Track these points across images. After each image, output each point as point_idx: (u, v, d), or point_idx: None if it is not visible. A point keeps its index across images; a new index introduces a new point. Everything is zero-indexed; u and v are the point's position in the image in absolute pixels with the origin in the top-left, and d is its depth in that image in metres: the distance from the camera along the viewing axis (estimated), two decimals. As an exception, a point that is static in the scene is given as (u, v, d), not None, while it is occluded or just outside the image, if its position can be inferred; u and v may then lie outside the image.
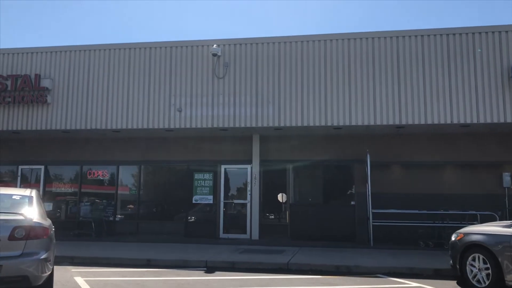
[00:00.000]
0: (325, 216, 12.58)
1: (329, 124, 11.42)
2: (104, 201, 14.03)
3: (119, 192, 14.03)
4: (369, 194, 11.67)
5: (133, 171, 14.03)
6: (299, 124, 11.56)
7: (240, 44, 12.12)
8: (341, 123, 11.37)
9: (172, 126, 12.18)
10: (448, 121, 10.97)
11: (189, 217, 13.38)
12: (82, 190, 14.23)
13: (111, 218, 13.75)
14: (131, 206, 13.93)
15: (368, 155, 11.76)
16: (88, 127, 12.56)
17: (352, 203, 12.63)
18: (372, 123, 11.24)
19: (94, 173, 14.24)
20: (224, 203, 13.21)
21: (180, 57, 12.36)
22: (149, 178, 14.04)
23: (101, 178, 14.22)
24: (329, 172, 13.26)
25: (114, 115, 12.47)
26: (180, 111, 12.13)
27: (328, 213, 12.60)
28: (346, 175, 13.04)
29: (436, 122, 11.00)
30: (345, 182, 13.02)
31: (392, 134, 12.57)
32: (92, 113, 12.57)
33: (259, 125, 11.77)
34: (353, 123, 11.32)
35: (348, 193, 12.94)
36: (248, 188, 13.12)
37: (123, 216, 13.93)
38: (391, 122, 11.21)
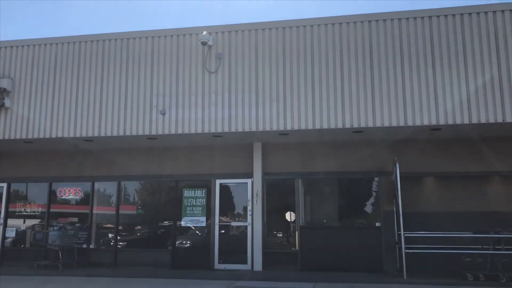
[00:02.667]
0: (344, 241, 10.42)
1: (347, 126, 9.35)
2: (76, 225, 11.96)
3: (94, 213, 11.96)
4: (399, 213, 9.50)
5: (110, 189, 11.97)
6: (310, 126, 9.49)
7: (236, 31, 10.16)
8: (362, 125, 9.29)
9: (154, 133, 10.17)
10: (500, 119, 8.86)
11: (177, 244, 11.27)
12: (51, 210, 12.20)
13: (84, 246, 11.67)
14: (109, 229, 11.83)
15: (397, 165, 9.65)
16: (54, 136, 10.57)
17: (377, 224, 10.46)
18: (401, 123, 9.15)
19: (64, 192, 12.21)
20: (220, 226, 11.09)
21: (163, 49, 10.42)
22: (130, 197, 11.99)
23: (73, 197, 12.18)
24: (348, 186, 11.12)
25: (85, 121, 10.49)
26: (163, 114, 10.13)
27: (348, 238, 10.43)
28: (368, 190, 10.89)
29: (483, 121, 8.90)
30: (367, 199, 10.86)
31: (425, 139, 10.46)
32: (58, 118, 10.59)
33: (260, 129, 9.72)
34: (378, 125, 9.24)
35: (372, 212, 10.78)
36: (249, 208, 11.02)
37: (99, 243, 11.83)
38: (425, 123, 9.12)
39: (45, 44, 10.97)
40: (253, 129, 9.75)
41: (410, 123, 9.15)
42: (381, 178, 10.62)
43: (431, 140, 10.55)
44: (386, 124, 9.22)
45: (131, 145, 11.62)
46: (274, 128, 9.66)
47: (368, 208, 10.84)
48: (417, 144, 10.60)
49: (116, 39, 10.68)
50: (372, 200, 10.79)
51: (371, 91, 9.34)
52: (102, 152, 12.02)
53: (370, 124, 9.27)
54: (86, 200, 12.04)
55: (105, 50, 10.68)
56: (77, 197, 12.14)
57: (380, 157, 10.66)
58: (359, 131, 9.74)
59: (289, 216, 11.03)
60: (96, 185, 12.06)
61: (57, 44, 10.93)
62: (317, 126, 9.47)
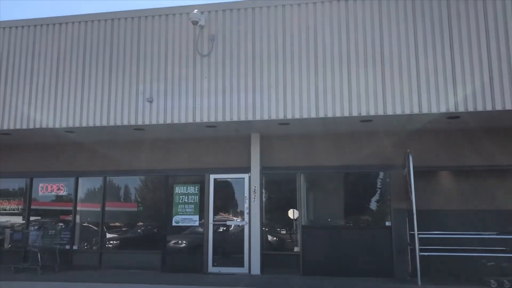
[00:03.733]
0: (351, 242, 9.53)
1: (354, 114, 8.44)
2: (59, 224, 11.12)
3: (78, 211, 11.10)
4: (413, 211, 8.59)
5: (96, 185, 11.11)
6: (313, 115, 8.58)
7: (231, 10, 9.25)
8: (371, 113, 8.37)
9: (141, 123, 9.29)
10: (528, 105, 7.93)
11: (168, 245, 10.40)
12: (32, 207, 11.35)
13: (67, 247, 10.82)
14: (94, 228, 10.97)
15: (410, 158, 8.73)
16: (31, 126, 9.70)
17: (387, 224, 9.55)
18: (415, 111, 8.24)
19: (46, 188, 11.36)
20: (214, 225, 10.22)
21: (151, 30, 9.52)
22: (116, 193, 11.13)
23: (56, 193, 11.31)
24: (354, 182, 10.20)
25: (65, 110, 9.61)
26: (151, 101, 9.25)
27: (355, 238, 9.53)
28: (377, 186, 9.97)
29: (509, 107, 7.96)
30: (376, 195, 9.94)
31: (441, 129, 9.55)
32: (37, 107, 9.72)
33: (258, 118, 8.82)
34: (389, 112, 8.31)
35: (381, 210, 9.87)
36: (246, 205, 10.14)
37: (83, 244, 10.97)
38: (442, 110, 8.19)
39: (22, 26, 10.10)
40: (250, 118, 8.85)
41: (425, 110, 8.22)
42: (391, 173, 9.70)
43: (448, 130, 9.62)
44: (398, 112, 8.30)
45: (117, 138, 10.75)
46: (273, 117, 8.77)
47: (377, 205, 9.92)
48: (432, 135, 9.68)
49: (99, 20, 9.78)
50: (381, 197, 9.86)
51: (381, 74, 8.42)
52: (86, 145, 11.15)
53: (380, 112, 8.35)
54: (70, 197, 11.18)
55: (87, 32, 9.79)
56: (60, 193, 11.27)
57: (390, 150, 9.73)
58: (367, 120, 8.82)
59: (292, 213, 10.14)
60: (81, 180, 11.20)
61: (35, 26, 10.05)
62: (321, 115, 8.56)
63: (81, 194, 11.17)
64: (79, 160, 11.18)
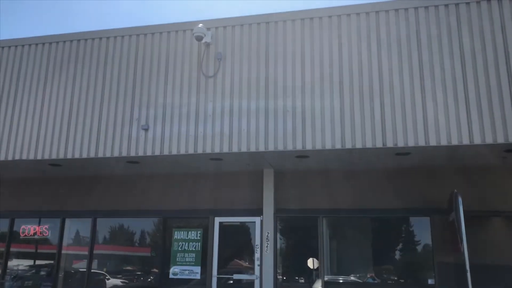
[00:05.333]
0: (385, 304, 7.88)
1: (389, 145, 7.04)
2: (42, 272, 9.73)
3: (63, 254, 9.71)
4: (466, 266, 6.94)
5: (84, 226, 9.77)
6: (338, 146, 7.22)
7: (241, 25, 8.15)
8: (410, 143, 6.97)
9: (134, 154, 8.04)
10: None
11: (163, 302, 8.88)
12: (12, 249, 10.02)
13: (46, 301, 9.41)
14: (80, 278, 9.53)
15: (459, 200, 7.20)
16: (10, 158, 8.57)
17: (430, 282, 7.88)
18: (465, 141, 6.81)
19: (28, 230, 10.06)
20: (219, 279, 8.70)
21: (150, 49, 8.44)
22: (107, 237, 9.76)
23: (39, 237, 10.00)
24: (388, 229, 8.61)
25: (49, 140, 8.46)
26: (146, 129, 8.04)
27: (390, 300, 7.89)
28: (415, 235, 8.36)
29: None
30: (415, 246, 8.33)
31: (493, 164, 8.05)
32: (18, 137, 8.62)
33: (271, 148, 7.50)
34: (432, 143, 6.91)
35: (422, 264, 8.22)
36: (257, 255, 8.64)
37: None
38: (499, 141, 6.75)
39: (5, 47, 9.18)
40: (262, 149, 7.53)
41: (477, 140, 6.79)
42: (434, 219, 8.14)
43: (503, 166, 8.11)
44: (443, 142, 6.87)
45: (108, 172, 9.52)
46: (290, 148, 7.43)
47: (417, 259, 8.29)
48: (484, 172, 8.16)
49: (90, 39, 8.79)
50: (422, 248, 8.25)
51: (421, 98, 7.09)
52: (74, 181, 9.92)
53: (421, 143, 6.94)
54: (54, 240, 9.85)
55: (79, 51, 8.78)
56: (44, 236, 9.95)
57: (432, 190, 8.22)
58: (404, 153, 7.42)
59: (311, 263, 8.57)
60: (67, 222, 9.90)
61: (16, 46, 9.10)
62: (348, 146, 7.19)
63: (66, 238, 9.83)
64: (66, 199, 9.92)
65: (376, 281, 8.31)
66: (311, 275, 8.54)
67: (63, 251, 9.73)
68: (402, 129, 7.03)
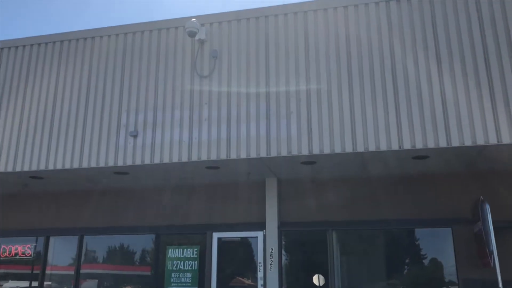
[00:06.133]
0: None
1: (406, 147, 6.32)
2: (23, 297, 8.94)
3: (48, 275, 8.93)
4: (499, 284, 6.17)
5: (70, 246, 8.98)
6: (349, 149, 6.50)
7: (238, 20, 7.51)
8: (430, 145, 6.26)
9: (122, 163, 7.32)
10: None
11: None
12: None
13: (28, 329, 8.60)
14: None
15: (486, 207, 6.46)
16: (-14, 171, 7.89)
17: (455, 300, 7.11)
18: (492, 141, 6.10)
19: (10, 250, 9.28)
20: (218, 301, 7.91)
21: (139, 49, 7.79)
22: (95, 256, 8.97)
23: (21, 257, 9.22)
24: (405, 242, 7.82)
25: (28, 150, 7.77)
26: (135, 136, 7.35)
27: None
28: (436, 248, 7.56)
29: None
30: (435, 260, 7.53)
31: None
32: (-5, 147, 7.94)
33: (274, 154, 6.78)
34: (454, 143, 6.20)
35: (444, 280, 7.42)
36: (260, 273, 7.85)
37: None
38: (533, 139, 6.05)
39: (-16, 49, 8.55)
40: (263, 155, 6.82)
41: (506, 140, 6.08)
42: (457, 229, 7.37)
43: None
44: (468, 143, 6.16)
45: (96, 186, 8.78)
46: (295, 152, 6.71)
47: (438, 274, 7.49)
48: (509, 177, 7.44)
49: (77, 39, 8.15)
50: (443, 262, 7.44)
51: (440, 96, 6.40)
52: (58, 196, 9.18)
53: (442, 144, 6.23)
54: (37, 261, 9.06)
55: (62, 53, 8.14)
56: (26, 256, 9.17)
57: (454, 198, 7.48)
58: (423, 156, 6.70)
59: (317, 279, 7.78)
60: (52, 241, 9.12)
61: None
62: (360, 149, 6.47)
63: (51, 257, 9.06)
64: (50, 215, 9.17)
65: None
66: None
67: (47, 271, 8.95)
68: (421, 129, 6.32)
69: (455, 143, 6.18)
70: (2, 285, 8.98)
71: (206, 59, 7.43)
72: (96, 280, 8.79)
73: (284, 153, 6.75)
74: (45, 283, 8.88)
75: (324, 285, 7.69)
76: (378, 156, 6.69)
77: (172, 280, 8.20)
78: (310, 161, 7.03)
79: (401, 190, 7.77)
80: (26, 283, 8.99)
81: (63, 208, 9.12)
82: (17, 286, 9.04)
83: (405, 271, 7.70)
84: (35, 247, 9.13)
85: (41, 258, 8.97)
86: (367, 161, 7.04)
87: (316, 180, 8.13)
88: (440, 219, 7.43)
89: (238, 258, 8.26)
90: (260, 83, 7.08)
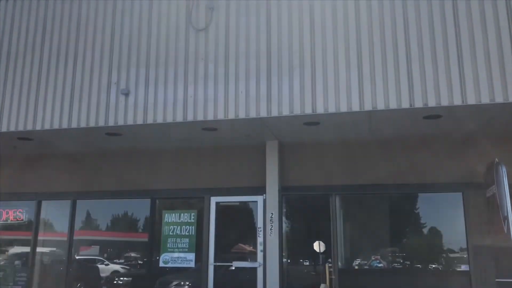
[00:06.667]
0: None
1: (417, 105, 5.89)
2: (16, 262, 8.75)
3: (39, 246, 8.72)
4: (512, 251, 5.88)
5: (63, 210, 8.71)
6: (356, 108, 6.06)
7: (237, -32, 6.96)
8: (443, 102, 5.82)
9: (113, 123, 6.92)
10: None
11: (153, 294, 7.89)
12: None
13: (21, 294, 8.44)
14: (58, 269, 8.53)
15: (503, 169, 6.08)
16: (-29, 131, 7.51)
17: (464, 267, 6.83)
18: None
19: (0, 214, 9.03)
20: (216, 267, 7.67)
21: (129, 0, 7.30)
22: (88, 223, 8.72)
23: (12, 222, 8.97)
24: (412, 207, 7.52)
25: (15, 109, 7.34)
26: (127, 94, 6.92)
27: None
28: (446, 214, 7.25)
29: None
30: (445, 226, 7.22)
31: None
32: (-20, 106, 7.54)
33: (275, 113, 6.35)
34: (470, 101, 5.73)
35: (454, 248, 7.15)
36: (259, 239, 7.58)
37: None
38: (556, 96, 5.60)
39: (-34, 1, 8.01)
40: (264, 114, 6.39)
41: (527, 97, 5.64)
42: (468, 194, 7.02)
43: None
44: (485, 100, 5.71)
45: (87, 148, 8.43)
46: (297, 112, 6.28)
47: (448, 241, 7.20)
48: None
49: (63, -10, 7.62)
50: (453, 229, 7.13)
51: (456, 49, 5.90)
52: (49, 159, 8.84)
53: (457, 102, 5.78)
54: (29, 227, 8.82)
55: (48, 5, 7.62)
56: (17, 221, 8.93)
57: (466, 161, 7.10)
58: (435, 116, 6.26)
59: (317, 246, 7.50)
60: (44, 205, 8.86)
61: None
62: (367, 107, 6.03)
63: (43, 222, 8.81)
64: (42, 179, 8.85)
65: (396, 266, 7.28)
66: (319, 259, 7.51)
67: (40, 238, 8.72)
68: (434, 85, 5.86)
69: (471, 100, 5.73)
70: (8, 251, 8.79)
71: (202, 11, 6.89)
72: (98, 247, 8.58)
73: (285, 112, 6.32)
74: (39, 249, 8.67)
75: (326, 251, 7.43)
76: (387, 115, 6.26)
77: (168, 245, 7.95)
78: (314, 121, 6.61)
79: (409, 153, 7.37)
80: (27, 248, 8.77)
81: (55, 172, 8.79)
82: (21, 252, 8.84)
83: (412, 237, 7.41)
84: (26, 211, 8.87)
85: (32, 223, 8.72)
86: (374, 122, 6.61)
87: (319, 142, 7.73)
88: (450, 184, 7.07)
89: (237, 223, 7.99)
90: (260, 37, 6.57)
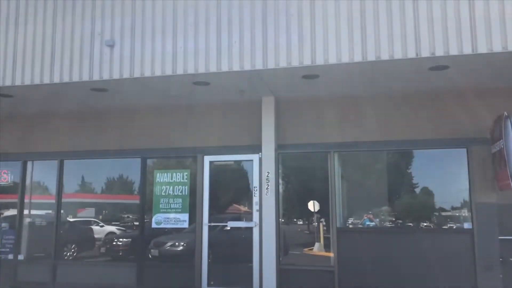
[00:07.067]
0: (410, 253, 6.67)
1: (424, 54, 5.50)
2: (3, 224, 8.49)
3: (26, 208, 8.46)
4: (520, 208, 5.67)
5: (49, 171, 8.40)
6: (358, 58, 5.64)
7: None
8: (452, 51, 5.43)
9: (98, 78, 6.50)
10: None
11: (146, 256, 7.70)
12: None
13: (9, 256, 8.22)
14: (46, 231, 8.29)
15: (509, 123, 5.80)
16: None
17: (467, 226, 6.64)
18: (527, 46, 5.29)
19: (-15, 176, 8.71)
20: (211, 228, 7.46)
21: None
22: (76, 183, 8.43)
23: (-2, 184, 8.68)
24: (415, 165, 7.23)
25: (-7, 63, 6.91)
26: (111, 45, 6.46)
27: (417, 248, 6.67)
28: (449, 171, 6.98)
29: None
30: (447, 184, 6.97)
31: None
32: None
33: (271, 65, 5.94)
34: (481, 49, 5.36)
35: (456, 206, 6.95)
36: (255, 198, 7.34)
37: (32, 253, 8.30)
38: None
39: None
40: (259, 66, 5.99)
41: (543, 45, 5.26)
42: (472, 151, 6.74)
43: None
44: (497, 48, 5.33)
45: (74, 105, 8.01)
46: (295, 63, 5.88)
47: (449, 199, 6.98)
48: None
49: None
50: (455, 186, 6.90)
51: (467, -8, 5.47)
52: (33, 117, 8.45)
53: (467, 50, 5.39)
54: (14, 188, 8.52)
55: (23, -51, 7.02)
56: (3, 182, 8.62)
57: (471, 115, 6.78)
58: (441, 67, 5.89)
59: (312, 206, 7.34)
60: (29, 166, 8.53)
61: None
62: (370, 57, 5.63)
63: (30, 184, 8.51)
64: (27, 138, 8.47)
65: (399, 225, 7.11)
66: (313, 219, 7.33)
67: (26, 200, 8.44)
68: (442, 33, 5.46)
69: (482, 49, 5.35)
70: (2, 213, 8.53)
71: (191, -47, 6.35)
72: (93, 209, 8.34)
73: (283, 64, 5.92)
74: (27, 211, 8.41)
75: (320, 210, 7.24)
76: (391, 66, 5.87)
77: (161, 206, 7.69)
78: (313, 74, 6.22)
79: (412, 108, 7.04)
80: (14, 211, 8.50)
81: (40, 131, 8.41)
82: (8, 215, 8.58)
83: (415, 196, 7.18)
84: (12, 172, 8.54)
85: (18, 185, 8.42)
86: (377, 74, 6.23)
87: (318, 98, 7.37)
88: (454, 139, 6.78)
89: (232, 183, 7.73)
90: (255, -18, 6.08)
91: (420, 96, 7.02)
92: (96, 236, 8.23)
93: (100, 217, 8.33)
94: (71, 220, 8.34)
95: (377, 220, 7.19)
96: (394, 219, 7.23)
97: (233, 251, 7.48)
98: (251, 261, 7.17)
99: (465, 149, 6.75)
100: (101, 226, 8.27)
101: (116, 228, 8.19)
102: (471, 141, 6.71)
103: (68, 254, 8.12)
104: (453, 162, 6.85)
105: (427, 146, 6.95)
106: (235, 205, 7.66)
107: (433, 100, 6.97)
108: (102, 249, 8.11)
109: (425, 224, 7.03)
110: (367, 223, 7.20)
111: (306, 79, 6.47)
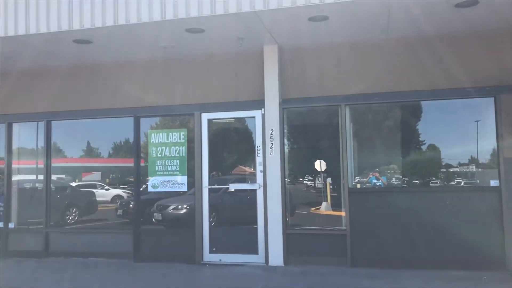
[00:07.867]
0: (430, 214, 6.11)
1: (452, -13, 4.77)
2: (-9, 192, 8.05)
3: (14, 172, 7.97)
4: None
5: (35, 133, 7.84)
6: (373, -6, 4.95)
7: None
8: (485, -18, 4.70)
9: (78, 27, 5.79)
10: None
11: (142, 222, 7.23)
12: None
13: (-1, 225, 7.82)
14: (37, 197, 7.82)
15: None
16: None
17: (494, 183, 6.02)
18: None
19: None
20: (211, 191, 6.93)
21: None
22: (66, 145, 7.88)
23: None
24: (437, 116, 6.56)
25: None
26: (92, -11, 5.74)
27: (437, 208, 6.10)
28: (475, 122, 6.32)
29: None
30: (471, 138, 6.34)
31: None
32: None
33: (273, 6, 5.19)
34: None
35: (482, 162, 6.33)
36: (258, 159, 6.75)
37: (22, 221, 7.86)
38: None
39: None
40: (259, 7, 5.26)
41: None
42: (501, 99, 6.04)
43: None
44: (538, -23, 4.58)
45: (58, 61, 7.34)
46: (300, 2, 5.15)
47: (475, 154, 6.36)
48: None
49: None
50: (482, 139, 6.24)
51: None
52: (18, 77, 7.82)
53: (502, -20, 4.65)
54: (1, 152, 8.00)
55: None
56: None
57: (501, 60, 6.06)
58: (470, 2, 5.13)
59: (318, 165, 6.79)
60: (15, 127, 7.96)
61: None
62: (387, -8, 4.90)
63: (16, 148, 7.98)
64: (10, 98, 7.87)
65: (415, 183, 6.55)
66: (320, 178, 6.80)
67: (14, 165, 7.93)
68: (473, -39, 4.69)
69: (520, -22, 4.60)
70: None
71: None
72: (99, 173, 7.85)
73: (287, 3, 5.19)
74: (16, 177, 7.93)
75: (328, 169, 6.71)
76: (410, 7, 5.13)
77: (157, 168, 7.14)
78: (321, 15, 5.48)
79: (433, 55, 6.31)
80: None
81: (22, 90, 7.79)
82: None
83: (437, 152, 6.55)
84: None
85: (4, 149, 7.89)
86: (394, 16, 5.49)
87: (325, 45, 6.64)
88: (480, 88, 6.07)
89: (233, 142, 7.16)
90: None
91: (440, 39, 6.28)
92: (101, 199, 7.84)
93: (107, 180, 7.92)
94: (77, 183, 7.90)
95: (384, 178, 6.65)
96: (407, 178, 6.67)
97: (237, 215, 7.01)
98: (256, 225, 6.66)
99: (492, 98, 6.05)
100: (107, 190, 7.86)
101: (123, 191, 7.77)
102: (500, 89, 6.00)
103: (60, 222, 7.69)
104: (481, 113, 6.17)
105: (450, 96, 6.25)
106: (238, 166, 7.11)
107: (456, 44, 6.24)
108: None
109: (445, 182, 6.45)
110: (373, 181, 6.67)
111: (313, 22, 5.73)
